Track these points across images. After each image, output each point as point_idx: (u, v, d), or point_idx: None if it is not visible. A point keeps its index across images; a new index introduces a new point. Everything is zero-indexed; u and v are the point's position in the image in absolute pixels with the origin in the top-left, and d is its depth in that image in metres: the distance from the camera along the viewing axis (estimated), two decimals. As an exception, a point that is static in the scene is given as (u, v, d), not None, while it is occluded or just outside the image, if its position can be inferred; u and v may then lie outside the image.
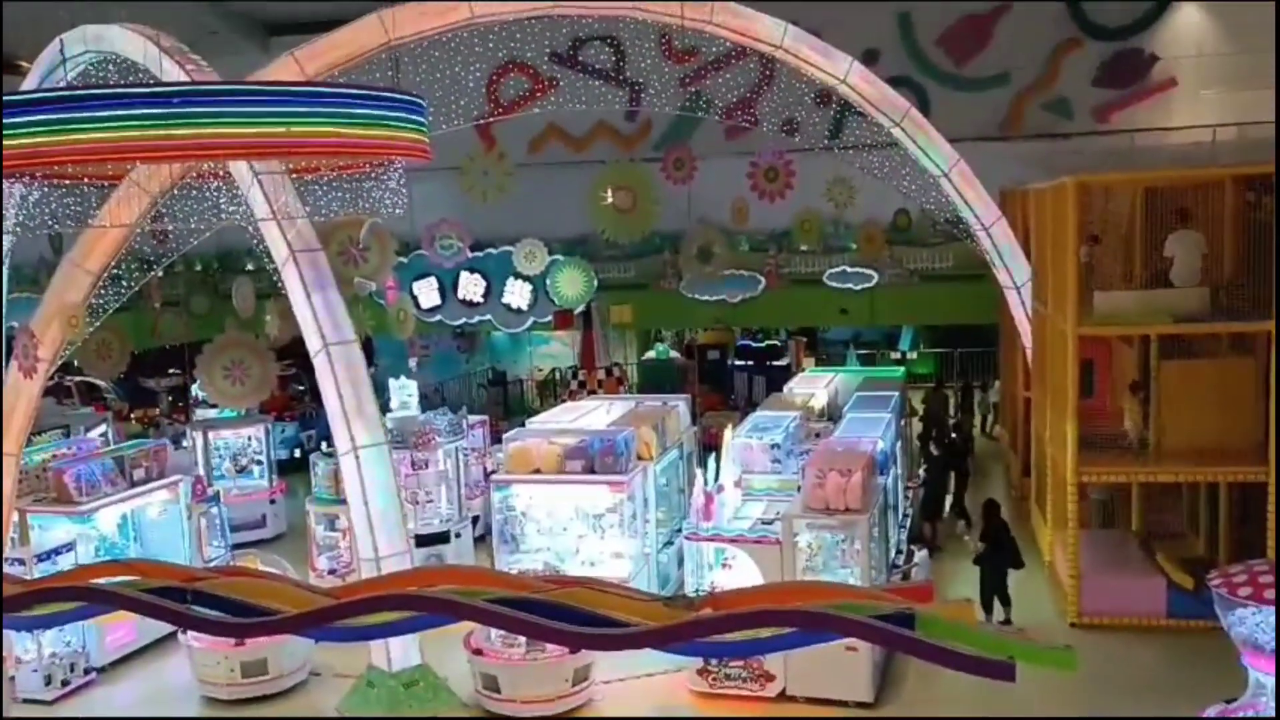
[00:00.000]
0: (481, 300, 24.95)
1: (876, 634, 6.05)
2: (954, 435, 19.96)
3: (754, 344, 29.95)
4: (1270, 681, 8.99)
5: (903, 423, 17.90)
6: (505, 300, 24.65)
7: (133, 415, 25.92)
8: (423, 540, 15.30)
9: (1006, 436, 22.24)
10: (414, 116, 9.76)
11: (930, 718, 11.49)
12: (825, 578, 11.79)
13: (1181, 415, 13.46)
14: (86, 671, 13.17)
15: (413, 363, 18.24)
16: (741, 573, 11.88)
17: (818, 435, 15.49)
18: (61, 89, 12.74)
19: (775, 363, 28.36)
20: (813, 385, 18.81)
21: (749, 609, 6.24)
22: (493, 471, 16.09)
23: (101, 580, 7.14)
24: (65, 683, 12.84)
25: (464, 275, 24.61)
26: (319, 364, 11.68)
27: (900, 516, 15.91)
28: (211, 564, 14.04)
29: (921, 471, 18.26)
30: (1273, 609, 8.64)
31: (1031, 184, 18.03)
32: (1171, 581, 13.41)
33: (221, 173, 11.83)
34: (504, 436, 15.59)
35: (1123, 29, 24.64)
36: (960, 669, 5.70)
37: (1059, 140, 24.25)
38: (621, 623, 6.28)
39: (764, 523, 12.54)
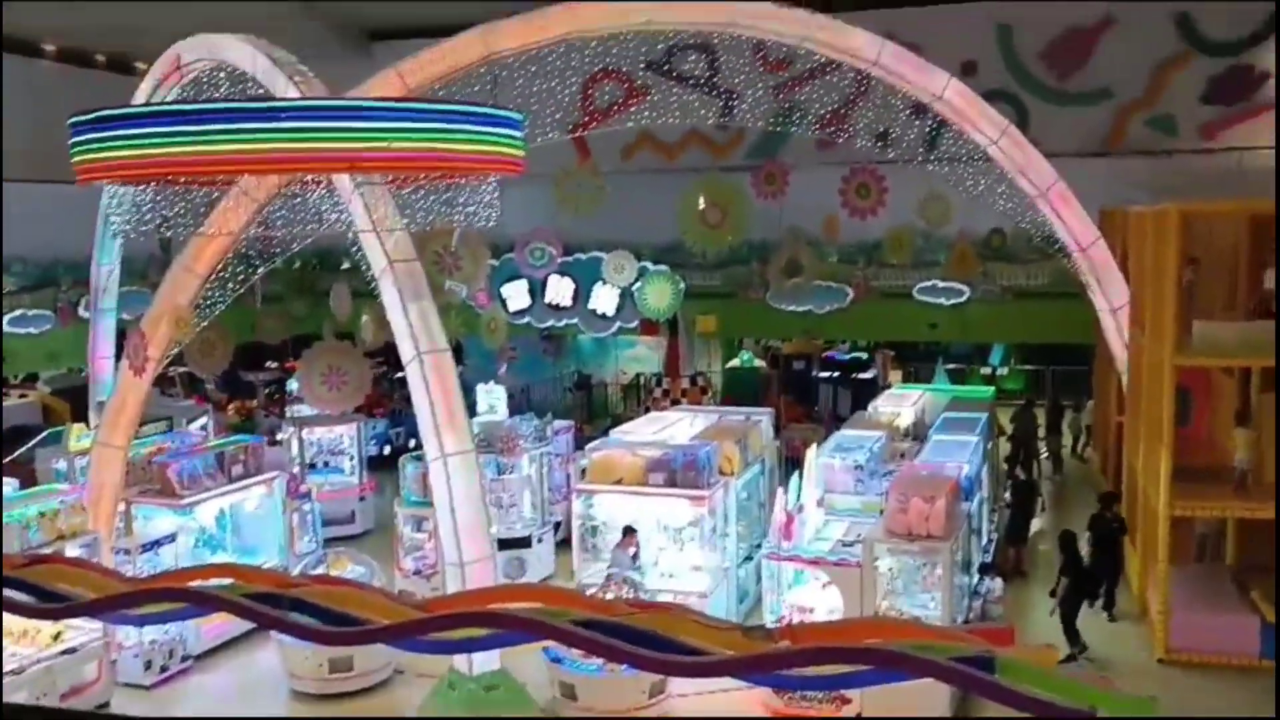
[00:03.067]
0: (569, 304, 25.15)
1: (955, 676, 5.98)
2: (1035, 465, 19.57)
3: (839, 356, 29.64)
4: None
5: (990, 445, 17.63)
6: (592, 306, 24.84)
7: (230, 406, 26.73)
8: (505, 544, 15.58)
9: (1098, 460, 21.75)
10: (511, 132, 9.99)
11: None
12: (905, 602, 11.75)
13: (1283, 450, 13.05)
14: (184, 659, 13.69)
15: (502, 369, 18.50)
16: (820, 592, 11.89)
17: (903, 455, 15.38)
18: (183, 103, 13.27)
19: (861, 375, 28.10)
20: (899, 403, 18.65)
21: (826, 644, 6.27)
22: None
23: (202, 583, 7.44)
24: (164, 669, 13.37)
25: (553, 279, 24.80)
26: (411, 371, 11.94)
27: (984, 541, 15.71)
28: (304, 559, 14.44)
29: (1007, 495, 17.98)
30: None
31: (1133, 203, 17.61)
32: (1266, 620, 13.04)
33: (324, 180, 12.20)
34: (588, 446, 15.75)
35: (1231, 44, 23.88)
36: (1040, 715, 5.67)
37: (1162, 158, 23.61)
38: (700, 650, 6.36)
39: (844, 544, 12.52)
